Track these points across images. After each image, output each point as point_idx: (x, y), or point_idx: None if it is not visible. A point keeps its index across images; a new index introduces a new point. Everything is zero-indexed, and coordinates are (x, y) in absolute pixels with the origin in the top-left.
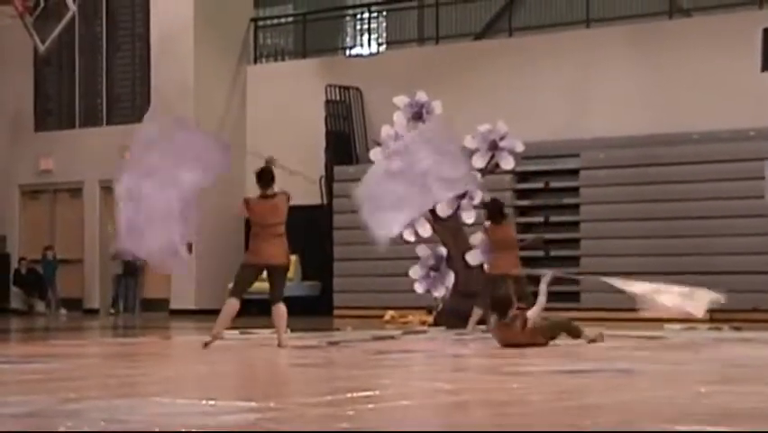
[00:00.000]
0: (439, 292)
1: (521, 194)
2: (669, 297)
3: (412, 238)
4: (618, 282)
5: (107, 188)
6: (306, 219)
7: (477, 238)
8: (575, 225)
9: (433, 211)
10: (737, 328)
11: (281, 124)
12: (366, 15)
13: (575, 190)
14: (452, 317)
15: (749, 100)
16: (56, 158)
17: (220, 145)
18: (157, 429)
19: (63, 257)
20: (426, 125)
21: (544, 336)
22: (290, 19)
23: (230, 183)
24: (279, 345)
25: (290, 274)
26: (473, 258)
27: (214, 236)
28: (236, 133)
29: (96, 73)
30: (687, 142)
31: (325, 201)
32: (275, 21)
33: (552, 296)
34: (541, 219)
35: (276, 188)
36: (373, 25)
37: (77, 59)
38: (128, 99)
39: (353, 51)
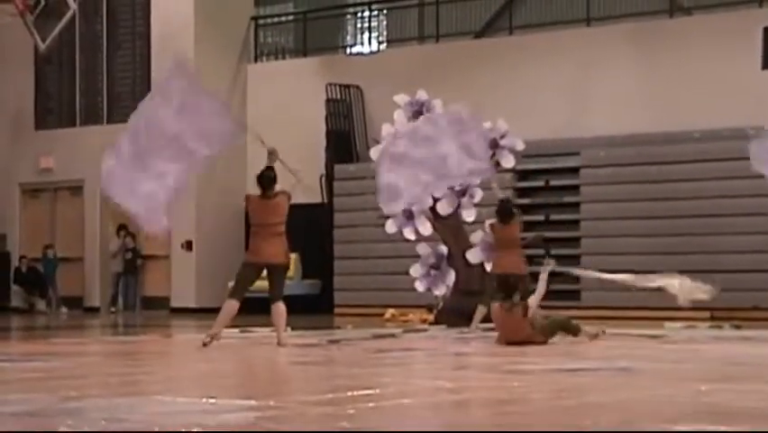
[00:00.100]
0: (440, 291)
1: (521, 192)
2: (661, 280)
3: (412, 236)
4: (609, 276)
5: None
6: (306, 217)
7: (477, 236)
8: (575, 223)
9: (433, 209)
10: (738, 327)
11: (282, 123)
12: (366, 14)
13: (576, 189)
14: (452, 315)
15: (749, 98)
16: (56, 156)
17: (236, 122)
18: (157, 428)
19: (64, 255)
20: (456, 110)
21: (543, 334)
22: (291, 17)
23: (230, 182)
24: (279, 344)
25: (291, 273)
26: (474, 256)
27: (214, 235)
28: (235, 137)
29: (96, 71)
30: (687, 141)
31: (326, 200)
32: (275, 19)
33: (552, 294)
34: (541, 218)
35: (277, 187)
36: (374, 24)
37: (77, 57)
38: (128, 98)
39: (354, 50)
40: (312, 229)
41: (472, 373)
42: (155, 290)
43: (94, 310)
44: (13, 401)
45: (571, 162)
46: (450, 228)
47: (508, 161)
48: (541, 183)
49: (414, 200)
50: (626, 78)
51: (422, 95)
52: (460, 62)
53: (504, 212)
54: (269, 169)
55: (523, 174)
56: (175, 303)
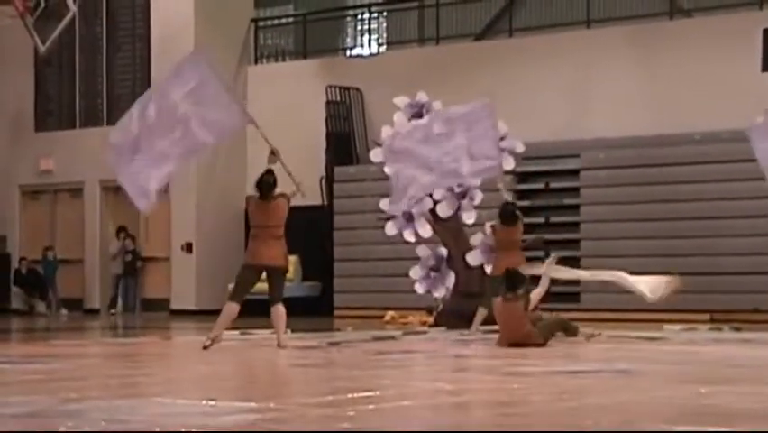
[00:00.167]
0: (439, 293)
1: (521, 195)
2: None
3: (412, 239)
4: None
5: (108, 189)
6: (306, 220)
7: (477, 238)
8: (575, 225)
9: (433, 211)
10: (737, 329)
11: (282, 125)
12: (366, 16)
13: (575, 191)
14: (452, 317)
15: (749, 100)
16: (56, 158)
17: (245, 116)
18: (157, 430)
19: (63, 257)
20: (476, 105)
21: (543, 334)
22: (291, 19)
23: (230, 184)
24: (279, 346)
25: (290, 275)
26: (474, 258)
27: (214, 237)
28: (236, 134)
29: (96, 73)
30: (687, 143)
31: (326, 202)
32: (275, 21)
33: (552, 297)
34: (541, 220)
35: (277, 190)
36: (374, 26)
37: (77, 59)
38: (128, 99)
39: (354, 52)
40: (312, 231)
41: (472, 375)
42: (155, 291)
43: (94, 312)
44: (14, 403)
45: (570, 164)
46: (450, 230)
47: (508, 163)
48: (541, 185)
49: (421, 192)
50: (626, 79)
51: (422, 97)
52: (460, 64)
53: (507, 214)
54: (269, 173)
55: (523, 176)
56: (175, 305)
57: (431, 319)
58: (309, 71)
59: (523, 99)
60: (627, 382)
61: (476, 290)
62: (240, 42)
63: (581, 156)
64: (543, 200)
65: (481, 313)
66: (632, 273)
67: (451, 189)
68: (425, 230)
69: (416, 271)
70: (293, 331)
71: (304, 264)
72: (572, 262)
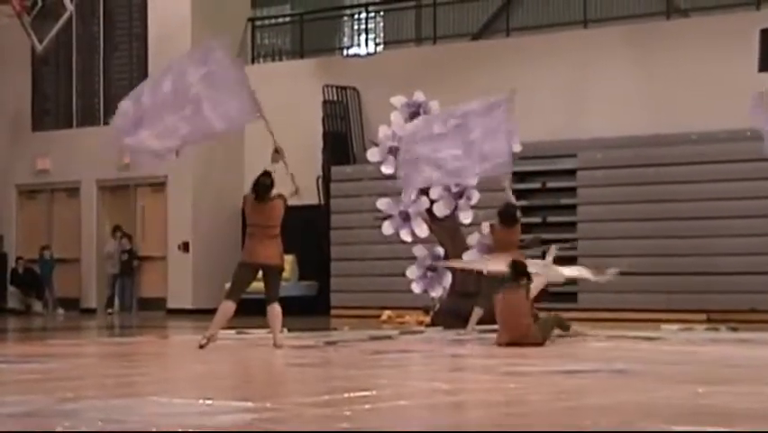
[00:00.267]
0: (436, 292)
1: (518, 194)
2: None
3: (409, 238)
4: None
5: (104, 188)
6: (303, 219)
7: (474, 238)
8: (572, 225)
9: (430, 211)
10: (734, 329)
11: (278, 125)
12: (363, 15)
13: (572, 191)
14: (449, 317)
15: (746, 100)
16: (53, 158)
17: (255, 107)
18: (154, 429)
19: (60, 257)
20: (495, 102)
21: (542, 334)
22: (288, 19)
23: (227, 184)
24: (275, 345)
25: (287, 274)
26: (470, 258)
27: (210, 236)
28: (233, 134)
29: (93, 73)
30: (684, 143)
31: (323, 201)
32: (272, 21)
33: (549, 296)
34: (538, 220)
35: (274, 191)
36: (371, 25)
37: (74, 58)
38: None
39: (351, 51)
40: (309, 231)
41: (469, 374)
42: (152, 291)
43: (90, 312)
44: (10, 403)
45: (567, 164)
46: (446, 230)
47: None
48: (538, 185)
49: (430, 183)
50: (623, 79)
51: (419, 96)
52: (457, 64)
53: (507, 215)
54: (266, 175)
55: (520, 176)
56: (171, 304)
57: (428, 319)
58: (306, 71)
59: (520, 99)
60: (625, 382)
61: (472, 289)
62: (237, 42)
63: (578, 156)
64: (540, 200)
65: (477, 313)
66: (628, 275)
67: (448, 189)
68: (422, 230)
69: (412, 271)
70: (290, 330)
71: (301, 264)
72: (569, 262)
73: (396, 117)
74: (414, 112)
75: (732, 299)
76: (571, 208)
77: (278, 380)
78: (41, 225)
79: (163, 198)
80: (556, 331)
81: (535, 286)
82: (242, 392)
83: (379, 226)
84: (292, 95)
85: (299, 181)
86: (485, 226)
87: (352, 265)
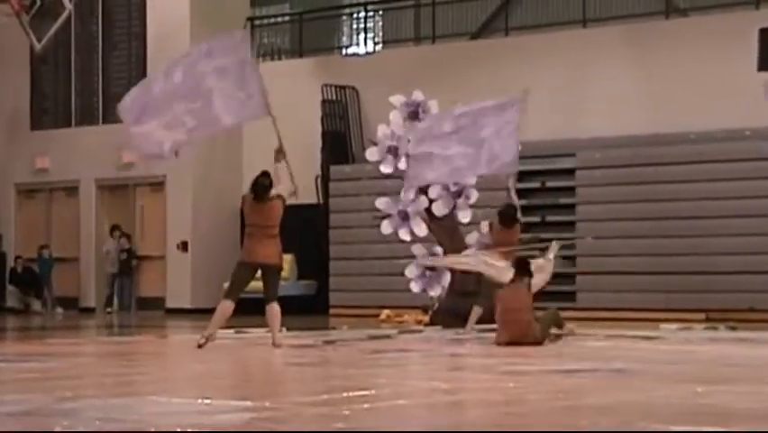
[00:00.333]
0: (435, 292)
1: (517, 193)
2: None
3: (408, 237)
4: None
5: (103, 187)
6: (302, 218)
7: (473, 237)
8: (571, 224)
9: (428, 210)
10: (733, 328)
11: (277, 124)
12: (362, 14)
13: (571, 190)
14: (448, 316)
15: (745, 100)
16: (52, 157)
17: (265, 105)
18: (152, 429)
19: (59, 256)
20: (508, 101)
21: (542, 332)
22: (287, 18)
23: (226, 183)
24: (274, 345)
25: (286, 273)
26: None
27: (209, 236)
28: (232, 134)
29: (92, 72)
30: (683, 142)
31: (321, 200)
32: (271, 20)
33: (548, 296)
34: (537, 219)
35: (273, 192)
36: (369, 24)
37: (73, 57)
38: None
39: (350, 51)
40: (307, 230)
41: (468, 374)
42: (150, 290)
43: (89, 311)
44: (9, 402)
45: (566, 164)
46: (445, 229)
47: None
48: (537, 184)
49: (440, 180)
50: (621, 79)
51: (418, 96)
52: (456, 63)
53: (507, 217)
54: (265, 175)
55: (519, 175)
56: (170, 304)
57: (426, 318)
58: (305, 70)
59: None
60: (624, 382)
61: (471, 288)
62: None
63: (577, 155)
64: (538, 199)
65: (477, 312)
66: (627, 274)
67: (446, 188)
68: (421, 229)
69: (411, 270)
70: (288, 330)
71: (299, 263)
72: (568, 262)
73: (395, 116)
74: (413, 111)
75: (731, 298)
76: (570, 208)
77: (276, 379)
78: (39, 224)
79: (162, 198)
80: (553, 330)
81: (536, 283)
82: (241, 392)
83: (378, 226)
84: (291, 94)
85: (298, 181)
86: (484, 225)
87: (350, 264)
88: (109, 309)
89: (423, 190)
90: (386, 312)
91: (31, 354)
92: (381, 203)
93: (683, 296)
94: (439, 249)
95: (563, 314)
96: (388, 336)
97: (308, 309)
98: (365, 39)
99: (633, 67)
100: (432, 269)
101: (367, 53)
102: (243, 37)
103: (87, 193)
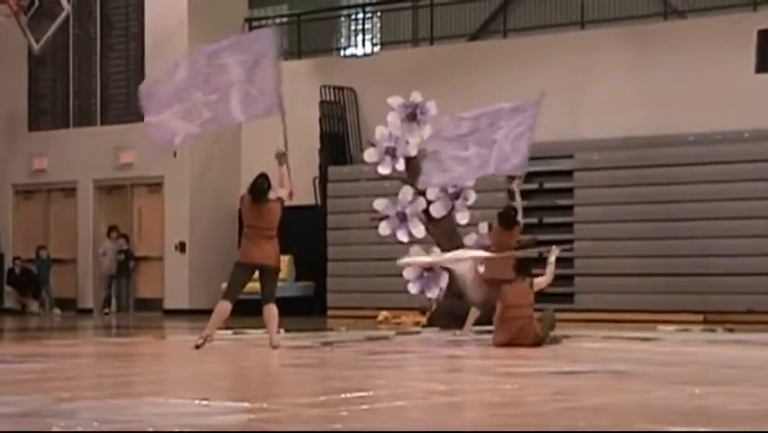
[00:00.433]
0: (433, 293)
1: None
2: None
3: (406, 239)
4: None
5: (101, 188)
6: (300, 220)
7: (471, 239)
8: (569, 226)
9: (426, 212)
10: (731, 330)
11: (275, 125)
12: (360, 16)
13: (569, 191)
14: (445, 317)
15: (744, 102)
16: (50, 157)
17: (279, 108)
18: (150, 429)
19: (57, 257)
20: (525, 104)
21: (544, 332)
22: (285, 19)
23: (224, 184)
24: (272, 346)
25: (284, 274)
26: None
27: (207, 236)
28: (230, 134)
29: (90, 73)
30: (681, 144)
31: (319, 202)
32: (269, 21)
33: (545, 297)
34: (535, 220)
35: (271, 194)
36: (368, 26)
37: (71, 58)
38: (122, 99)
39: (348, 52)
40: (305, 231)
41: (466, 375)
42: (148, 291)
43: (87, 312)
44: (7, 403)
45: (564, 165)
46: (443, 231)
47: None
48: (535, 186)
49: (454, 181)
50: (620, 80)
51: (416, 97)
52: (454, 65)
53: (507, 219)
54: (263, 177)
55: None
56: (168, 305)
57: (424, 320)
58: (303, 71)
59: (516, 100)
60: (621, 383)
61: None
62: None
63: (575, 157)
64: (536, 201)
65: (474, 313)
66: (625, 276)
67: (444, 190)
68: (419, 230)
69: (409, 272)
70: (286, 331)
71: (297, 264)
72: (565, 263)
73: (393, 118)
74: (411, 113)
75: (729, 300)
76: (568, 209)
77: (274, 380)
78: (37, 225)
79: (160, 199)
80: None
81: (539, 282)
82: (239, 393)
83: (376, 227)
84: (289, 95)
85: (295, 181)
86: (483, 226)
87: (348, 266)
88: (107, 310)
89: (421, 192)
90: (384, 314)
91: (28, 355)
92: (379, 204)
93: (681, 298)
94: (437, 251)
95: (561, 316)
96: (385, 338)
97: (306, 311)
98: (363, 40)
99: (631, 68)
100: (430, 270)
101: (365, 54)
102: (272, 35)
103: (85, 194)
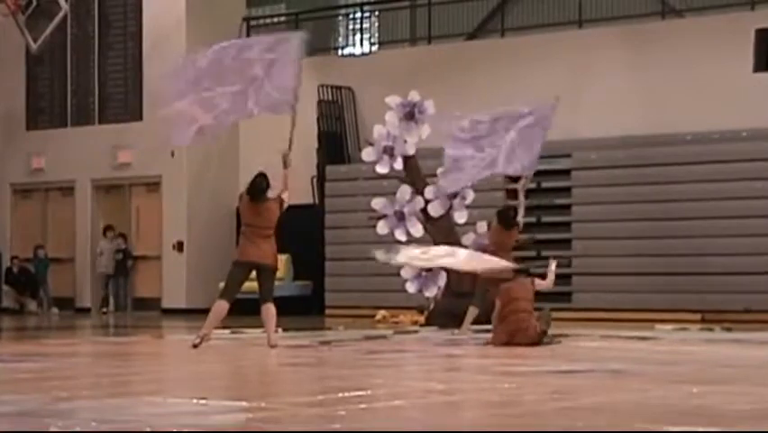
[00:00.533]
0: (431, 292)
1: (512, 194)
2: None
3: (404, 238)
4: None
5: (99, 187)
6: (297, 219)
7: (469, 238)
8: (567, 225)
9: (425, 211)
10: (729, 329)
11: (273, 124)
12: (358, 15)
13: (567, 191)
14: (444, 316)
15: (741, 101)
16: (48, 157)
17: (291, 108)
18: (148, 429)
19: (55, 256)
20: (541, 107)
21: (541, 328)
22: (283, 18)
23: (222, 183)
24: (270, 345)
25: (282, 274)
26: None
27: (205, 236)
28: (228, 134)
29: (88, 72)
30: (679, 143)
31: (317, 201)
32: (267, 20)
33: (543, 296)
34: (533, 219)
35: (270, 193)
36: (366, 25)
37: (69, 57)
38: (120, 98)
39: (346, 51)
40: (303, 230)
41: (464, 374)
42: (146, 291)
43: (85, 311)
44: (5, 402)
45: (562, 164)
46: (441, 230)
47: None
48: (533, 185)
49: (469, 180)
50: (617, 80)
51: (414, 96)
52: (452, 64)
53: (507, 219)
54: (262, 176)
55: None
56: (166, 304)
57: (422, 319)
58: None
59: (514, 99)
60: (619, 382)
61: (467, 289)
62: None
63: (573, 156)
64: (534, 200)
65: (472, 312)
66: (623, 275)
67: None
68: (417, 229)
69: (407, 271)
70: (284, 330)
71: (295, 263)
72: (563, 261)
73: (390, 117)
74: (408, 112)
75: (726, 299)
76: (566, 208)
77: (272, 380)
78: (35, 224)
79: (158, 198)
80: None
81: (539, 283)
82: (237, 392)
83: (374, 226)
84: None
85: (293, 182)
86: (482, 225)
87: (346, 265)
88: (104, 310)
89: (419, 191)
90: (382, 313)
91: (26, 354)
92: (377, 203)
93: (679, 297)
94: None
95: (559, 315)
96: (383, 337)
97: (304, 310)
98: (361, 39)
99: (629, 68)
100: (428, 269)
101: (363, 54)
102: (302, 39)
103: (83, 193)
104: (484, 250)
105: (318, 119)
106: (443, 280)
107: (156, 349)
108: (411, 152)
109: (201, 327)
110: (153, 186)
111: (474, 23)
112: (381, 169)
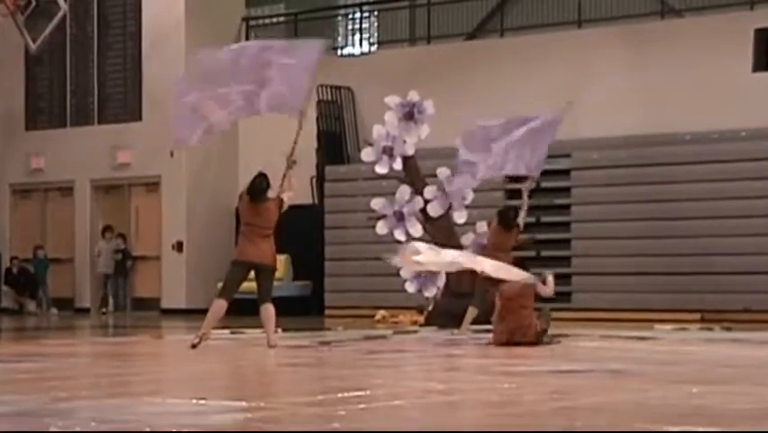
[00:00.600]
0: (430, 292)
1: (512, 194)
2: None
3: (403, 238)
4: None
5: (98, 188)
6: (297, 219)
7: (468, 238)
8: (566, 225)
9: (424, 211)
10: (728, 329)
11: (272, 124)
12: (358, 15)
13: (566, 191)
14: (443, 316)
15: (741, 100)
16: (47, 157)
17: (300, 111)
18: (148, 429)
19: (54, 256)
20: (555, 116)
21: (541, 326)
22: (282, 18)
23: (221, 183)
24: (269, 345)
25: (281, 274)
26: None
27: (204, 236)
28: (227, 134)
29: (87, 72)
30: (678, 143)
31: (317, 201)
32: (267, 20)
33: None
34: (532, 219)
35: (270, 193)
36: (365, 25)
37: (68, 58)
38: (119, 98)
39: (345, 51)
40: (303, 230)
41: (463, 374)
42: (145, 291)
43: (84, 311)
44: (4, 402)
45: (562, 164)
46: (441, 229)
47: None
48: (532, 185)
49: (487, 173)
50: (617, 79)
51: (413, 96)
52: (451, 64)
53: (508, 219)
54: (262, 176)
55: (515, 176)
56: (165, 304)
57: (422, 319)
58: None
59: (514, 99)
60: (619, 382)
61: (467, 289)
62: (231, 41)
63: (573, 156)
64: (534, 200)
65: (472, 312)
66: (622, 275)
67: (442, 188)
68: (416, 229)
69: (406, 271)
70: (284, 330)
71: (294, 264)
72: (563, 262)
73: (390, 117)
74: (408, 112)
75: (726, 299)
76: (566, 208)
77: (272, 380)
78: (34, 224)
79: (157, 198)
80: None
81: (540, 287)
82: (236, 392)
83: (374, 226)
84: None
85: (296, 182)
86: (482, 225)
87: (345, 265)
88: (104, 310)
89: (418, 191)
90: (381, 313)
91: (26, 354)
92: (377, 204)
93: (679, 296)
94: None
95: (559, 315)
96: (383, 337)
97: (303, 310)
98: (360, 39)
99: (628, 67)
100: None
101: (362, 54)
102: (321, 47)
103: (82, 193)
104: (483, 249)
105: (317, 119)
106: (442, 280)
107: (155, 349)
108: (410, 152)
109: (200, 326)
110: (153, 186)
111: (474, 23)
112: (381, 169)
